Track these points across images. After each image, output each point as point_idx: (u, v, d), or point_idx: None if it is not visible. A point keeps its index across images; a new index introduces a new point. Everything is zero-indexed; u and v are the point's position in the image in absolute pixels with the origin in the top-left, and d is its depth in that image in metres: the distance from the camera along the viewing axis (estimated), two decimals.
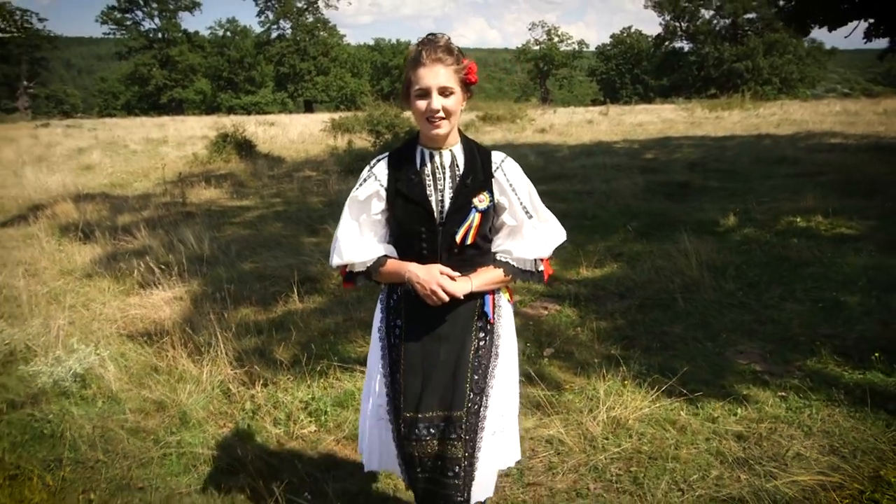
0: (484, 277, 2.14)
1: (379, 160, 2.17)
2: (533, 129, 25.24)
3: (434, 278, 2.04)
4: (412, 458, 2.16)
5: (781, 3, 19.59)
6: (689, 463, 2.99)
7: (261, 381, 3.87)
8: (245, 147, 16.61)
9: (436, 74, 1.98)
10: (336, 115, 25.66)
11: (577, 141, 19.19)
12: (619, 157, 14.08)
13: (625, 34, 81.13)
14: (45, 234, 8.35)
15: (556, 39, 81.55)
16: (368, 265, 2.15)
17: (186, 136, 25.69)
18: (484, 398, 2.17)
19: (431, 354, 2.15)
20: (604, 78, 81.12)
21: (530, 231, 2.17)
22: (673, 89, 65.17)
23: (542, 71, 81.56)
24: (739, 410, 3.42)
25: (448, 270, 2.08)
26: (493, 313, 2.20)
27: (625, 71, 79.16)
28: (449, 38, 2.04)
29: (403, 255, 2.16)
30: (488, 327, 2.20)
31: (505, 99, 52.81)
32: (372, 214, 2.15)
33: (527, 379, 3.73)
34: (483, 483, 2.21)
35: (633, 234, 7.01)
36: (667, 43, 70.18)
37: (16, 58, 69.30)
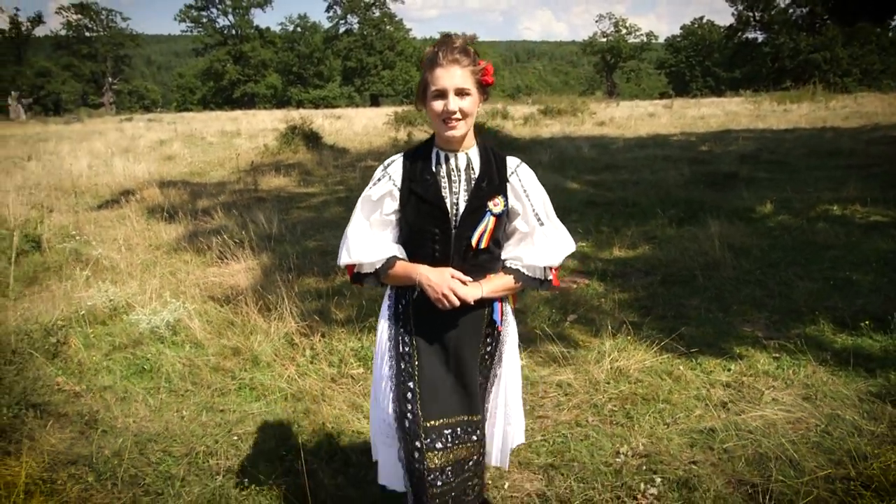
0: (494, 284, 2.14)
1: (393, 160, 2.16)
2: (592, 123, 25.40)
3: (446, 282, 2.03)
4: (434, 471, 2.11)
5: None
6: (678, 405, 3.48)
7: (319, 334, 4.54)
8: (312, 139, 17.57)
9: (452, 76, 1.97)
10: (399, 109, 26.49)
11: (634, 134, 19.34)
12: (672, 150, 14.26)
13: (696, 25, 79.19)
14: (136, 215, 9.33)
15: (623, 31, 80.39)
16: (377, 266, 2.13)
17: (258, 128, 27.01)
18: (488, 403, 2.31)
19: (443, 361, 2.16)
20: (673, 71, 79.44)
21: (542, 238, 2.16)
22: (745, 82, 63.28)
23: (609, 64, 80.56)
24: (733, 366, 3.87)
25: (459, 275, 2.07)
26: (501, 321, 2.22)
27: (695, 63, 77.31)
28: (465, 40, 2.05)
29: (414, 258, 2.13)
30: (495, 334, 2.23)
31: (570, 93, 52.69)
32: (384, 214, 2.14)
33: (548, 339, 4.27)
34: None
35: (668, 220, 7.38)
36: (740, 33, 68.30)
37: (102, 56, 73.51)
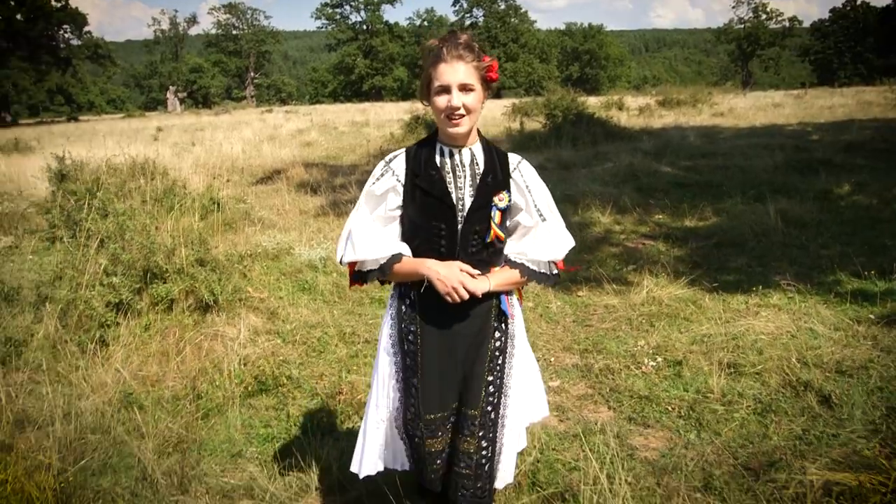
0: (501, 277, 2.16)
1: (396, 155, 2.17)
2: (710, 113, 25.32)
3: (455, 275, 2.04)
4: (430, 455, 2.23)
5: None
6: (692, 321, 4.58)
7: None
8: (433, 128, 19.20)
9: (456, 71, 1.99)
10: (517, 101, 27.65)
11: (748, 124, 19.42)
12: (778, 139, 14.52)
13: (847, 7, 73.73)
14: (286, 188, 11.29)
15: (763, 17, 76.51)
16: (382, 262, 2.11)
17: (385, 119, 29.16)
18: (503, 398, 2.26)
19: (449, 354, 2.18)
20: (818, 58, 74.48)
21: (544, 233, 2.19)
22: None
23: (745, 52, 76.98)
24: (749, 300, 4.88)
25: (468, 268, 2.08)
26: (510, 311, 2.24)
27: (844, 49, 72.15)
28: (470, 36, 2.05)
29: (419, 254, 2.13)
30: (503, 327, 2.24)
31: (701, 83, 51.16)
32: (388, 210, 2.14)
33: (605, 280, 5.45)
34: (503, 473, 2.34)
35: (743, 198, 8.19)
36: None
37: (246, 52, 79.79)
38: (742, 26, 76.46)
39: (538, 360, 4.11)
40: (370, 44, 77.23)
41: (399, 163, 2.14)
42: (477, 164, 2.14)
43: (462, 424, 2.22)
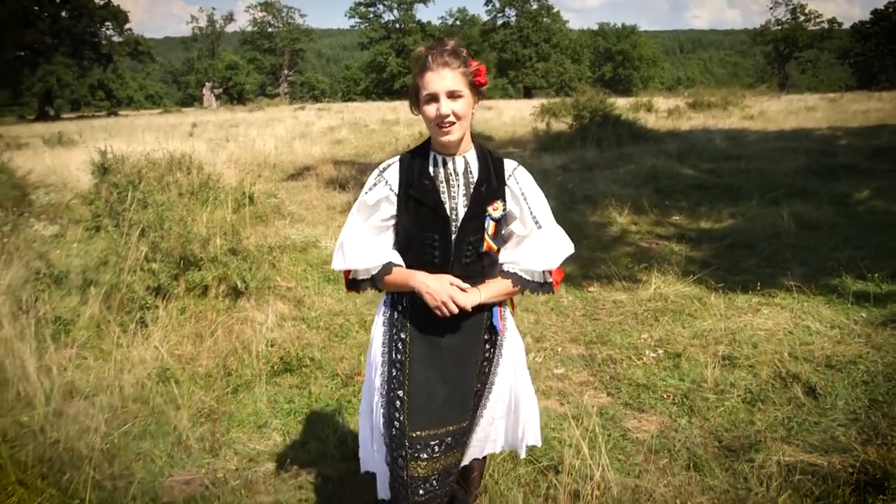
0: (493, 288, 2.13)
1: (389, 165, 2.15)
2: (740, 116, 25.17)
3: (445, 290, 2.01)
4: (417, 480, 2.11)
5: None
6: (696, 316, 4.78)
7: None
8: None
9: (443, 78, 1.97)
10: (545, 101, 27.77)
11: (777, 127, 19.32)
12: (805, 142, 14.49)
13: (890, 9, 71.87)
14: (315, 184, 11.67)
15: (801, 18, 75.11)
16: (373, 272, 2.11)
17: (414, 118, 29.35)
18: (481, 408, 2.24)
19: (438, 368, 2.14)
20: (858, 60, 72.81)
21: (539, 242, 2.15)
22: None
23: (782, 54, 75.69)
24: (754, 298, 5.06)
25: (458, 282, 2.06)
26: (501, 325, 2.20)
27: (886, 52, 70.41)
28: (457, 42, 2.05)
29: (412, 264, 2.11)
30: (494, 339, 2.21)
31: (737, 85, 50.46)
32: (381, 220, 2.12)
33: (616, 277, 5.67)
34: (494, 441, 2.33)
35: (760, 202, 8.31)
36: None
37: (280, 50, 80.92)
38: (779, 28, 75.12)
39: (546, 350, 4.41)
40: (402, 42, 77.68)
41: (392, 172, 2.12)
42: (471, 173, 2.11)
43: (455, 441, 2.16)
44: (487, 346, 2.20)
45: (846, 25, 78.11)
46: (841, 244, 6.39)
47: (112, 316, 4.65)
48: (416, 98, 2.05)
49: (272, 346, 4.43)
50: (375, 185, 2.12)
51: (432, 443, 2.10)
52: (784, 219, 6.89)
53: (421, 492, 2.11)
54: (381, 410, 2.17)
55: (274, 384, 4.04)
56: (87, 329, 4.63)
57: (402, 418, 2.10)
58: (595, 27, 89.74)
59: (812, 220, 7.05)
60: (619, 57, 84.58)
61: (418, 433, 2.09)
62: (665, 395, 3.71)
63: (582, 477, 2.68)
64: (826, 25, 75.27)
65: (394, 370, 2.15)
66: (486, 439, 2.30)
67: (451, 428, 2.13)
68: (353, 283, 2.18)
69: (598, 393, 3.83)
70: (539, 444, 2.42)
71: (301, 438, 3.40)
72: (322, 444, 3.30)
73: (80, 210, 9.04)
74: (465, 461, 2.29)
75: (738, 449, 3.07)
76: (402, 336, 2.15)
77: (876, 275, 5.20)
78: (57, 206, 9.29)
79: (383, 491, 2.27)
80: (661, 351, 4.23)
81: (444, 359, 2.13)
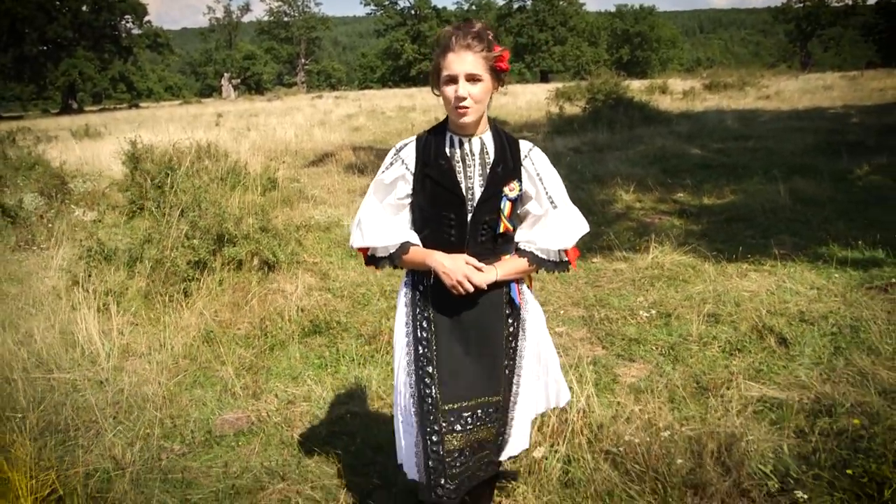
0: (508, 266, 2.17)
1: (406, 144, 2.17)
2: (756, 97, 25.22)
3: (460, 269, 2.06)
4: (452, 452, 2.16)
5: None
6: (688, 282, 5.20)
7: None
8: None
9: (463, 61, 1.98)
10: (560, 85, 27.94)
11: (791, 107, 19.43)
12: (816, 121, 14.69)
13: None
14: (335, 169, 12.17)
15: None
16: (391, 251, 2.15)
17: (430, 104, 29.80)
18: (516, 377, 2.28)
19: (464, 343, 2.18)
20: (883, 37, 71.41)
21: (555, 221, 2.19)
22: None
23: (805, 32, 74.51)
24: (746, 265, 5.46)
25: (473, 261, 2.10)
26: (520, 299, 2.24)
27: None
28: (484, 25, 2.04)
29: (429, 243, 2.15)
30: (516, 313, 2.25)
31: (758, 64, 49.86)
32: (397, 198, 2.15)
33: (617, 248, 6.09)
34: (517, 441, 2.36)
35: (763, 179, 8.64)
36: None
37: (297, 39, 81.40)
38: (802, 5, 73.87)
39: (549, 312, 4.85)
40: (418, 29, 77.73)
41: (409, 151, 2.14)
42: (487, 154, 2.13)
43: (487, 414, 2.20)
44: (510, 321, 2.24)
45: (871, 1, 76.61)
46: (834, 217, 6.74)
47: (157, 288, 5.17)
48: (437, 78, 2.07)
49: (302, 311, 4.93)
50: (392, 164, 2.15)
51: (465, 414, 2.16)
52: (781, 194, 7.24)
53: (457, 465, 2.16)
54: (411, 389, 2.21)
55: (305, 343, 4.54)
56: (135, 300, 5.17)
57: (433, 393, 2.15)
58: (612, 9, 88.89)
59: (809, 195, 7.39)
60: (637, 39, 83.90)
61: (451, 405, 2.15)
62: (654, 348, 4.15)
63: (570, 407, 3.13)
64: (850, 2, 73.88)
65: (420, 347, 2.19)
66: (527, 405, 2.35)
67: (481, 399, 2.18)
68: (372, 259, 2.22)
69: (594, 346, 4.28)
70: (570, 399, 2.55)
71: (332, 384, 3.89)
72: (351, 390, 3.79)
73: (115, 196, 9.63)
74: (510, 436, 2.32)
75: (712, 388, 3.51)
76: (427, 314, 2.19)
77: (860, 242, 5.56)
78: (94, 194, 9.88)
79: (412, 471, 2.29)
80: (654, 311, 4.66)
81: (468, 335, 2.18)
